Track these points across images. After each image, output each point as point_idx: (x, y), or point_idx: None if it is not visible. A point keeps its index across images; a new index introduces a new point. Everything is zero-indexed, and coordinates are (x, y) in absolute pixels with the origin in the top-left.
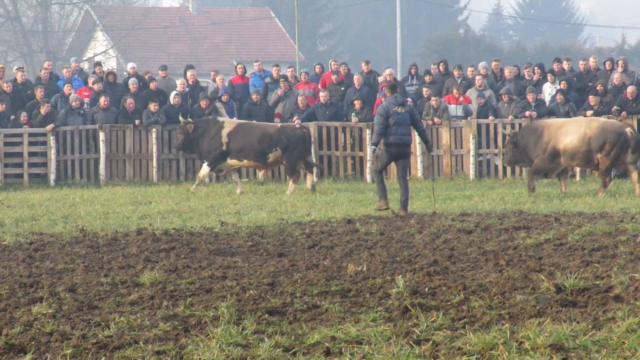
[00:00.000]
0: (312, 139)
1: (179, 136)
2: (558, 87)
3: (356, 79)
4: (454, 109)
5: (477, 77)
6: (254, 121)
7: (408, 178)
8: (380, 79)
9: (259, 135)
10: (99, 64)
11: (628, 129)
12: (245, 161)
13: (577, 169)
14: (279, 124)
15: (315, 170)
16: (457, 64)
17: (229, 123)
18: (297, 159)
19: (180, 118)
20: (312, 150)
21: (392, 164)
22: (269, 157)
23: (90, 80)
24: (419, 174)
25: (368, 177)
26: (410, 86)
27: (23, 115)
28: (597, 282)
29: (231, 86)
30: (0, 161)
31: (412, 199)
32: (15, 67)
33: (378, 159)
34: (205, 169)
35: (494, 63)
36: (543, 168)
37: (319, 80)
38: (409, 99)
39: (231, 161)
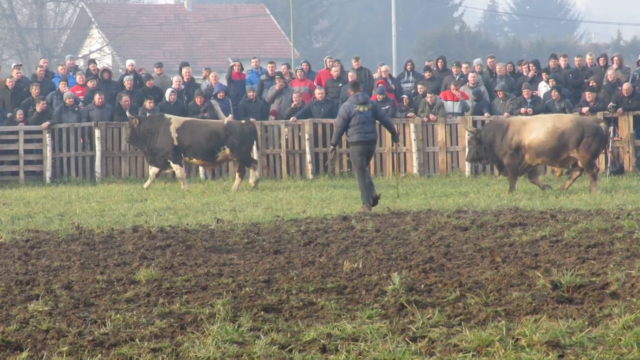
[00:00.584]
0: (259, 134)
1: (126, 130)
2: (554, 84)
3: (350, 76)
4: (451, 106)
5: (470, 74)
6: (200, 119)
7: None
8: (375, 75)
9: (206, 133)
10: (93, 61)
11: (602, 124)
12: (194, 159)
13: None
14: (226, 121)
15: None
16: (455, 60)
17: (175, 120)
18: (247, 152)
19: (127, 113)
20: (258, 146)
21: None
22: (218, 155)
23: (79, 78)
24: (415, 170)
25: None
26: (407, 83)
27: (19, 113)
28: (594, 278)
29: (230, 82)
30: None
31: (407, 196)
32: (14, 64)
33: (336, 160)
34: (177, 168)
35: (489, 60)
36: (514, 165)
37: (315, 77)
38: (404, 95)
39: (186, 158)
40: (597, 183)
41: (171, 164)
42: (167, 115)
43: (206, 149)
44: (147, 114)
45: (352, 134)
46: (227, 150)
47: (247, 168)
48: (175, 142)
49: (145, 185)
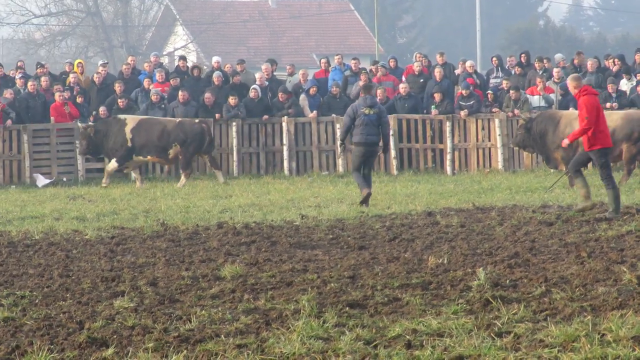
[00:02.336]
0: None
1: (82, 142)
2: (634, 84)
3: (437, 72)
4: (537, 100)
5: (555, 69)
6: (156, 117)
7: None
8: (458, 71)
9: (159, 131)
10: (183, 58)
11: None
12: (149, 157)
13: None
14: (178, 119)
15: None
16: (539, 56)
17: (131, 120)
18: (192, 153)
19: (79, 124)
20: (214, 145)
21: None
22: (170, 152)
23: (158, 75)
24: (500, 165)
25: (448, 169)
26: (496, 78)
27: (102, 110)
28: None
29: (314, 80)
30: (82, 156)
31: (492, 191)
32: (100, 61)
33: (350, 152)
34: (113, 164)
35: (577, 55)
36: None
37: (401, 72)
38: (490, 91)
39: (137, 158)
40: (629, 178)
41: (113, 160)
42: (122, 116)
43: (158, 146)
44: (98, 120)
45: (355, 135)
46: (178, 147)
47: (182, 171)
48: (129, 143)
49: (104, 182)
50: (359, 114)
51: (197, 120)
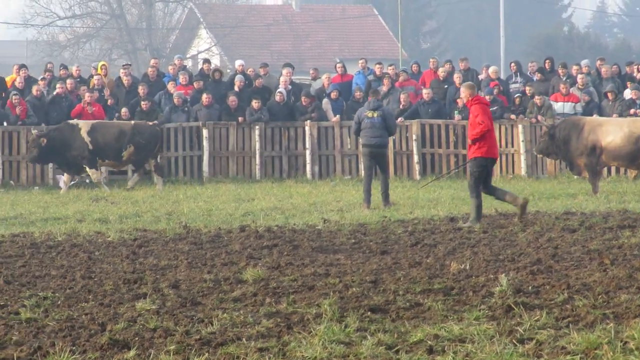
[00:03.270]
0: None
1: (32, 149)
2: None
3: (457, 77)
4: (561, 107)
5: (579, 76)
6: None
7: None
8: (481, 76)
9: (115, 133)
10: (208, 61)
11: None
12: (106, 160)
13: None
14: (132, 122)
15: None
16: (563, 62)
17: (84, 124)
18: (146, 155)
19: (33, 131)
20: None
21: None
22: (124, 155)
23: (182, 78)
24: (523, 172)
25: None
26: (515, 83)
27: (124, 112)
28: None
29: (332, 84)
30: None
31: None
32: (123, 63)
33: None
34: (92, 172)
35: (598, 61)
36: (592, 165)
37: (420, 77)
38: (517, 95)
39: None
40: None
41: (87, 169)
42: (73, 121)
43: (116, 148)
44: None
45: (361, 137)
46: (132, 148)
47: (136, 172)
48: (90, 146)
49: (62, 191)
50: (362, 117)
51: (150, 123)
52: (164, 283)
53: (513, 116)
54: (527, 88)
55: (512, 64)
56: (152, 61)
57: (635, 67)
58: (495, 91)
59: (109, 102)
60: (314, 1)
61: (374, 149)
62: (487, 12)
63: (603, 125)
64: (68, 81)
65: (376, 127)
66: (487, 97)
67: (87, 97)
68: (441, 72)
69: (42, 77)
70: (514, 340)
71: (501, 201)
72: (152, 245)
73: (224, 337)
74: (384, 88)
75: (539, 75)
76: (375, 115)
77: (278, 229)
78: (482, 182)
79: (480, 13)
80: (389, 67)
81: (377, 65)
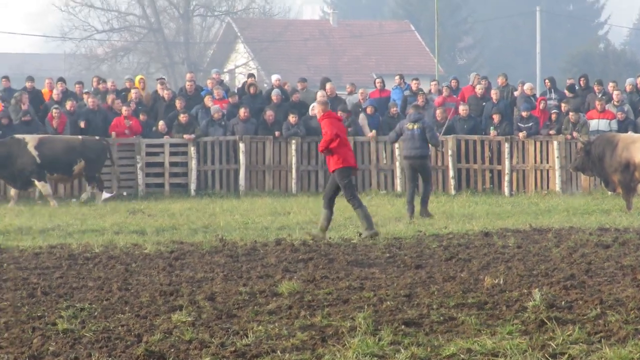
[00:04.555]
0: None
1: None
2: None
3: (494, 93)
4: (596, 124)
5: (615, 92)
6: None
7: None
8: (516, 93)
9: (64, 148)
10: (252, 75)
11: None
12: (55, 174)
13: None
14: (80, 137)
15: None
16: (598, 79)
17: (31, 138)
18: (96, 169)
19: None
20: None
21: None
22: (74, 169)
23: (216, 92)
24: (557, 187)
25: (506, 190)
26: (550, 100)
27: (161, 125)
28: None
29: (368, 99)
30: (142, 170)
31: (549, 213)
32: (158, 78)
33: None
34: (43, 185)
35: (638, 80)
36: (626, 182)
37: (458, 93)
38: (554, 111)
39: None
40: None
41: (36, 182)
42: (19, 136)
43: (65, 162)
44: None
45: (403, 149)
46: (83, 163)
47: (89, 185)
48: (38, 160)
49: (10, 205)
50: (403, 129)
51: (97, 138)
52: (200, 295)
53: (552, 132)
54: (563, 105)
55: (547, 81)
56: (189, 75)
57: None
58: (542, 105)
59: (141, 117)
60: (351, 17)
61: (414, 160)
62: (524, 29)
63: (636, 142)
64: (109, 96)
65: (416, 138)
66: (524, 114)
67: (124, 110)
68: (479, 89)
69: (85, 90)
70: (546, 355)
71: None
72: (189, 258)
73: (259, 350)
74: (419, 101)
75: (568, 93)
76: (415, 127)
77: (313, 243)
78: (350, 190)
79: (516, 30)
80: (432, 83)
81: (414, 81)
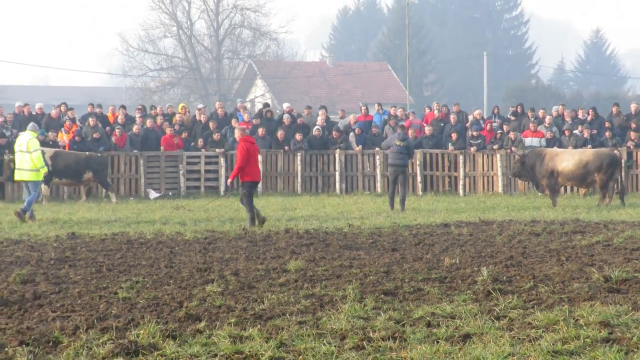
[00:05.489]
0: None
1: (6, 171)
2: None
3: (452, 118)
4: (530, 141)
5: (547, 117)
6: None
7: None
8: (470, 117)
9: (74, 160)
10: (267, 104)
11: (616, 152)
12: (64, 180)
13: None
14: (87, 153)
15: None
16: (531, 106)
17: (47, 150)
18: (103, 177)
19: (5, 156)
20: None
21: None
22: (84, 177)
23: (246, 116)
24: (500, 189)
25: (461, 191)
26: (495, 122)
27: (199, 141)
28: (637, 274)
29: (357, 122)
30: (183, 176)
31: (494, 209)
32: (199, 106)
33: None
34: (44, 187)
35: (560, 107)
36: (551, 185)
37: (423, 117)
38: (499, 131)
39: (55, 180)
40: (607, 201)
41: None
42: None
43: (75, 171)
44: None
45: (389, 158)
46: (90, 174)
47: (107, 191)
48: (50, 168)
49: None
50: (392, 144)
51: (99, 154)
52: (227, 271)
53: (496, 147)
54: (505, 126)
55: (495, 108)
56: (218, 103)
57: (583, 110)
58: (488, 127)
59: (183, 135)
60: (343, 59)
61: (398, 167)
62: (474, 69)
63: (559, 154)
64: (158, 118)
65: (401, 152)
66: (474, 133)
67: (168, 131)
68: (437, 114)
69: (140, 115)
70: (492, 317)
71: (247, 212)
72: (219, 243)
73: (272, 313)
74: (391, 124)
75: (512, 117)
76: (402, 144)
77: (314, 231)
78: (248, 198)
79: (469, 69)
80: (399, 110)
81: (392, 108)
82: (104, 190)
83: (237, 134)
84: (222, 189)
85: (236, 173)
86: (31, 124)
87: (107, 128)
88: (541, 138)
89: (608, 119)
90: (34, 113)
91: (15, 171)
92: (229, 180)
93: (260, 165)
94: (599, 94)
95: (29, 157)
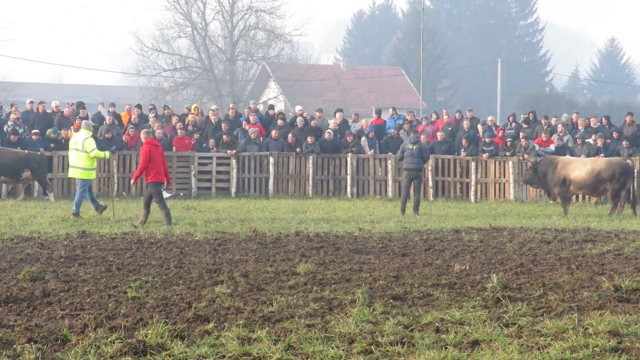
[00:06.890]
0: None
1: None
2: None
3: (465, 124)
4: (542, 148)
5: (559, 125)
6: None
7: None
8: (480, 125)
9: (12, 158)
10: (272, 107)
11: (629, 161)
12: (2, 177)
13: None
14: (26, 151)
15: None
16: (544, 114)
17: None
18: (42, 176)
19: None
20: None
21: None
22: (22, 175)
23: (252, 118)
24: (511, 196)
25: (472, 197)
26: (510, 130)
27: (211, 142)
28: None
29: (371, 126)
30: (195, 177)
31: (505, 216)
32: (212, 107)
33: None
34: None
35: (573, 115)
36: (563, 193)
37: (434, 124)
38: (509, 139)
39: None
40: (618, 210)
41: None
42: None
43: (12, 169)
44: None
45: (403, 163)
46: (29, 172)
47: (46, 189)
48: None
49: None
50: (405, 148)
51: (40, 153)
52: (237, 273)
53: (508, 154)
54: (520, 133)
55: (510, 116)
56: (231, 105)
57: (599, 119)
58: (500, 134)
59: (195, 136)
60: (357, 63)
61: (412, 172)
62: (488, 75)
63: (572, 163)
64: (173, 118)
65: (414, 156)
66: (487, 140)
67: (179, 131)
68: (446, 119)
69: (153, 115)
70: (501, 324)
71: (161, 210)
72: (229, 244)
73: (281, 315)
74: (405, 128)
75: (524, 124)
76: (414, 147)
77: (324, 235)
78: (158, 197)
79: (482, 75)
80: (410, 114)
81: (409, 113)
82: (115, 190)
83: (143, 136)
84: (233, 189)
85: (138, 174)
86: (84, 122)
87: (124, 130)
88: (547, 147)
89: (620, 128)
90: (49, 111)
91: (70, 168)
92: (132, 181)
93: (271, 168)
94: (612, 102)
95: (84, 156)
